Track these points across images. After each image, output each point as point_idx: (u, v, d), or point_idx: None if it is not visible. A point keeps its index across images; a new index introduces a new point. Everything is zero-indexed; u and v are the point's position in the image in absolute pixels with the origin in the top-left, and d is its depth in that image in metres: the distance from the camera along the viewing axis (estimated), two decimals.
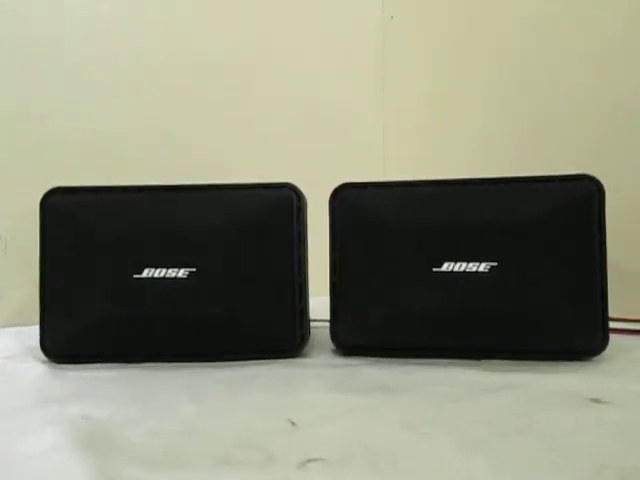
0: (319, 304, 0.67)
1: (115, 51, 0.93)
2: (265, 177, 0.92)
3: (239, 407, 0.48)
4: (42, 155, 0.87)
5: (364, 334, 0.63)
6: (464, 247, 0.60)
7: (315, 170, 1.05)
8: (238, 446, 0.39)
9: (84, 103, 0.90)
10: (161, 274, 0.61)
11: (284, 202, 0.63)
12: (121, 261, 0.61)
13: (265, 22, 1.06)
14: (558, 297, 0.59)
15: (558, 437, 0.40)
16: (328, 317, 0.64)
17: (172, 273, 0.61)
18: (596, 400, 0.48)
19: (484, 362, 0.60)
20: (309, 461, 0.37)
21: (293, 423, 0.44)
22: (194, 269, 0.61)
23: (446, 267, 0.60)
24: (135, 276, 0.61)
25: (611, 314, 0.59)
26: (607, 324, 0.59)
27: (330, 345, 0.66)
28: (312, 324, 0.67)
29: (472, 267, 0.59)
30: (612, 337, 0.59)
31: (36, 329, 0.62)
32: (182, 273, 0.61)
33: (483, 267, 0.59)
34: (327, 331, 0.64)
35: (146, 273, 0.61)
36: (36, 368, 0.61)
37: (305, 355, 0.64)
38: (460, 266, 0.60)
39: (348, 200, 0.64)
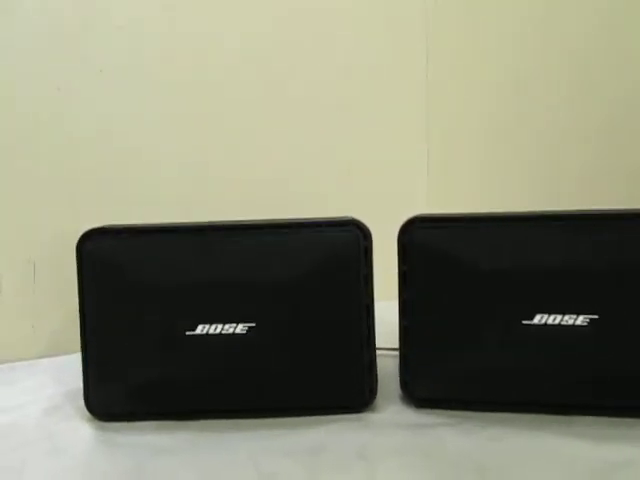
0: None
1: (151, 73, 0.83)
2: (309, 202, 0.86)
3: None
4: (70, 176, 0.79)
5: (439, 387, 0.58)
6: (558, 296, 0.53)
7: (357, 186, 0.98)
8: None
9: (115, 125, 0.82)
10: (217, 330, 0.54)
11: (350, 244, 0.56)
12: (171, 316, 0.54)
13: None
14: None
15: None
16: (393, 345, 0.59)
17: (229, 329, 0.54)
18: None
19: (575, 420, 0.54)
20: None
21: None
22: (253, 323, 0.54)
23: (538, 320, 0.53)
24: (188, 333, 0.54)
25: None
26: None
27: (398, 391, 0.60)
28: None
29: (568, 320, 0.52)
30: None
31: (73, 359, 0.57)
32: (240, 328, 0.54)
33: (581, 320, 0.52)
34: (391, 365, 0.59)
35: (200, 329, 0.54)
36: (82, 431, 0.56)
37: (373, 409, 0.58)
38: (554, 319, 0.53)
39: (422, 238, 0.57)
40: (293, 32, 0.92)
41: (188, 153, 0.85)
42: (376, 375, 0.58)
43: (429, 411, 0.58)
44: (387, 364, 0.63)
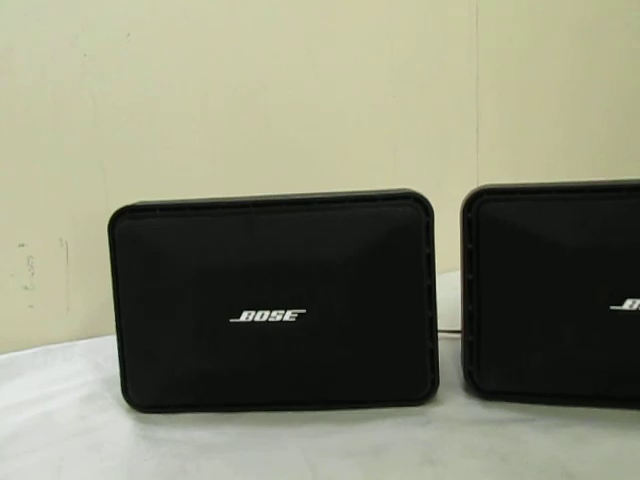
0: None
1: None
2: (352, 176, 0.79)
3: None
4: (99, 150, 0.74)
5: (508, 378, 0.52)
6: None
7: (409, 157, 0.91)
8: None
9: (146, 95, 0.76)
10: (263, 317, 0.49)
11: (410, 220, 0.50)
12: (212, 301, 0.49)
13: None
14: None
15: None
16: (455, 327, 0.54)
17: (277, 316, 0.49)
18: None
19: None
20: None
21: None
22: (303, 310, 0.49)
23: (629, 305, 0.46)
24: (232, 320, 0.49)
25: None
26: None
27: (461, 381, 0.54)
28: None
29: None
30: None
31: (108, 342, 0.54)
32: (289, 315, 0.49)
33: None
34: (449, 349, 0.55)
35: (245, 317, 0.49)
36: (121, 425, 0.52)
37: (435, 401, 0.53)
38: None
39: (491, 211, 0.50)
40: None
41: (220, 123, 0.79)
42: (438, 363, 0.53)
43: (497, 404, 0.52)
44: (444, 348, 0.57)
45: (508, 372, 0.52)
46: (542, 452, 0.44)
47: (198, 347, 0.50)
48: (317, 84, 0.85)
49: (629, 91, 1.01)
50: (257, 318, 0.49)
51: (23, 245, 0.71)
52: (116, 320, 0.52)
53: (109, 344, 0.58)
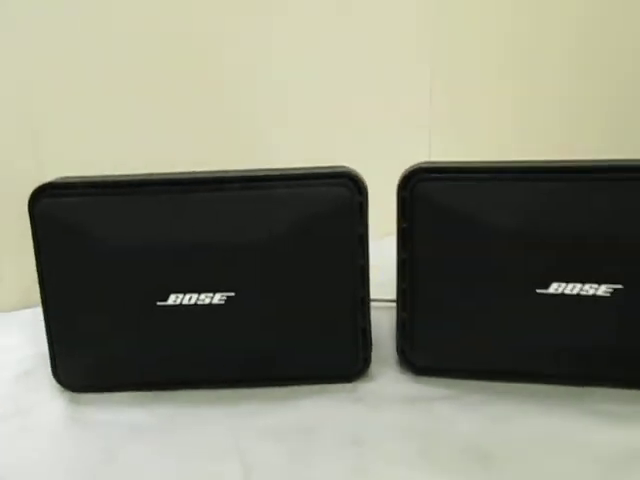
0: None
1: None
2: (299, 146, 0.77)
3: None
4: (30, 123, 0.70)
5: (438, 355, 0.53)
6: (579, 263, 0.46)
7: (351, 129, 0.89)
8: None
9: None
10: (192, 301, 0.48)
11: (343, 200, 0.48)
12: (139, 285, 0.48)
13: None
14: None
15: None
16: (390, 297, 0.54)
17: (205, 299, 0.48)
18: None
19: (588, 392, 0.49)
20: None
21: None
22: (232, 293, 0.48)
23: (554, 289, 0.47)
24: (159, 304, 0.48)
25: None
26: None
27: (394, 356, 0.55)
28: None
29: (588, 290, 0.46)
30: None
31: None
32: (218, 298, 0.48)
33: (603, 290, 0.46)
34: (387, 320, 0.55)
35: (172, 300, 0.48)
36: (53, 406, 0.51)
37: (368, 377, 0.54)
38: (573, 288, 0.46)
39: (425, 190, 0.49)
40: None
41: (162, 91, 0.76)
42: (371, 342, 0.53)
43: (428, 380, 0.53)
44: (386, 319, 0.58)
45: (439, 349, 0.52)
46: (464, 431, 0.46)
47: (125, 330, 0.49)
48: (269, 56, 0.82)
49: (583, 65, 1.00)
50: (185, 301, 0.48)
51: None
52: (42, 301, 0.50)
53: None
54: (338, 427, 0.47)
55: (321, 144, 0.87)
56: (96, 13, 0.72)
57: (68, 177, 0.51)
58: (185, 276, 0.48)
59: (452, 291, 0.50)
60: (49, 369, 0.53)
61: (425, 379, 0.53)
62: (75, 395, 0.53)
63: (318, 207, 0.48)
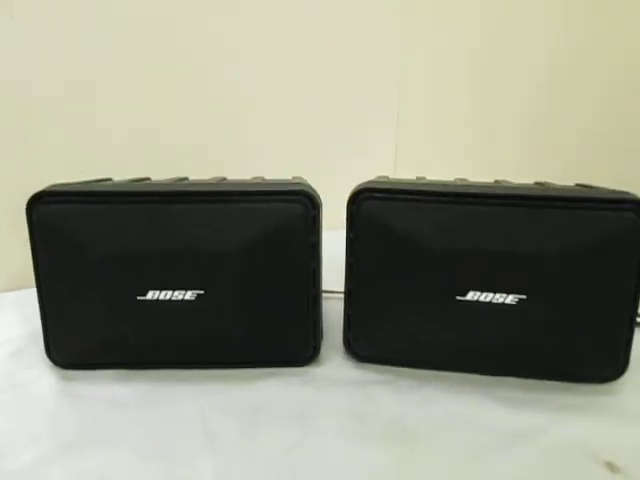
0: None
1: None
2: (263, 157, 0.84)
3: (255, 468, 0.48)
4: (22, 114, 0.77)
5: (376, 347, 0.62)
6: (490, 277, 0.56)
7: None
8: None
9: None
10: (167, 296, 0.57)
11: (297, 214, 0.57)
12: (122, 282, 0.56)
13: None
14: (581, 327, 0.56)
15: None
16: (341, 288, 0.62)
17: (179, 295, 0.57)
18: (611, 466, 0.48)
19: (500, 381, 0.59)
20: None
21: None
22: (202, 291, 0.57)
23: (471, 296, 0.56)
24: (139, 298, 0.57)
25: None
26: (629, 353, 0.57)
27: (342, 345, 0.64)
28: (325, 295, 0.65)
29: (499, 298, 0.56)
30: None
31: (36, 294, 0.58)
32: (190, 295, 0.57)
33: (510, 299, 0.56)
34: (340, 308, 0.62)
35: (151, 295, 0.57)
36: (45, 380, 0.60)
37: (318, 362, 0.63)
38: (486, 297, 0.56)
39: (368, 208, 0.58)
40: None
41: (139, 105, 0.83)
42: (321, 332, 0.62)
43: (368, 367, 0.62)
44: (334, 309, 0.67)
45: (378, 341, 0.61)
46: (390, 411, 0.55)
47: (110, 319, 0.58)
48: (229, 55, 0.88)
49: (548, 75, 1.07)
50: (161, 297, 0.57)
51: None
52: (37, 290, 0.58)
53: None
54: (287, 404, 0.56)
55: (297, 153, 0.95)
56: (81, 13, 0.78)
57: (60, 184, 0.58)
58: (161, 276, 0.56)
59: (387, 294, 0.58)
60: (40, 347, 0.61)
61: (366, 366, 0.63)
62: (65, 372, 0.61)
63: (277, 220, 0.56)
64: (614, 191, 0.56)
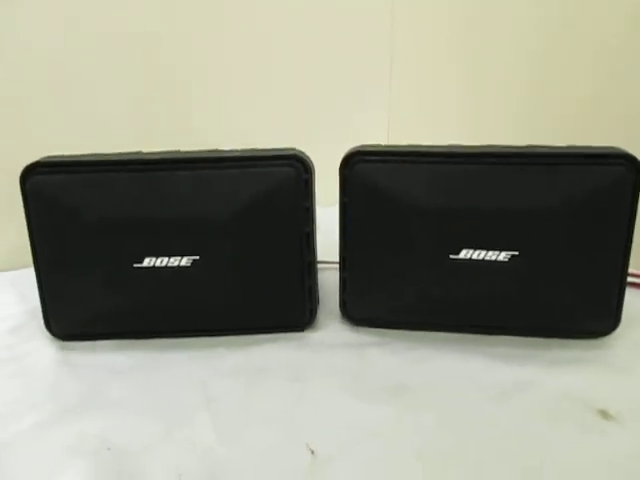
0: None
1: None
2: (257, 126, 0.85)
3: (253, 423, 0.49)
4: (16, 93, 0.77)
5: (372, 309, 0.63)
6: (483, 234, 0.56)
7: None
8: None
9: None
10: (163, 263, 0.57)
11: (290, 179, 0.57)
12: (118, 250, 0.57)
13: None
14: (573, 282, 0.57)
15: None
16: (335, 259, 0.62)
17: (174, 262, 0.57)
18: (604, 413, 0.49)
19: (496, 338, 0.60)
20: None
21: (312, 452, 0.46)
22: (197, 257, 0.57)
23: (464, 254, 0.57)
24: (136, 265, 0.57)
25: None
26: (621, 308, 0.58)
27: (338, 310, 0.65)
28: (320, 266, 0.65)
29: (491, 256, 0.56)
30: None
31: (32, 273, 0.59)
32: (185, 261, 0.57)
33: (503, 256, 0.56)
34: (335, 277, 0.63)
35: (147, 262, 0.57)
36: (44, 351, 0.60)
37: (315, 327, 0.64)
38: (479, 254, 0.56)
39: (361, 171, 0.58)
40: None
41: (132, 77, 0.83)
42: (317, 297, 0.63)
43: (364, 330, 0.63)
44: (330, 279, 0.67)
45: (373, 304, 0.62)
46: (387, 370, 0.56)
47: (108, 287, 0.58)
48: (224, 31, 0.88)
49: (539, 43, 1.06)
50: (157, 263, 0.57)
51: None
52: (34, 263, 0.59)
53: (33, 275, 0.65)
54: (285, 367, 0.57)
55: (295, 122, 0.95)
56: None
57: (54, 156, 0.58)
58: (156, 242, 0.57)
59: (381, 256, 0.59)
60: (39, 322, 0.62)
61: (362, 329, 0.63)
62: (64, 343, 0.62)
63: (269, 184, 0.57)
64: (603, 147, 0.57)
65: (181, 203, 0.56)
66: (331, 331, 0.63)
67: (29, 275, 0.60)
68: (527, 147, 0.57)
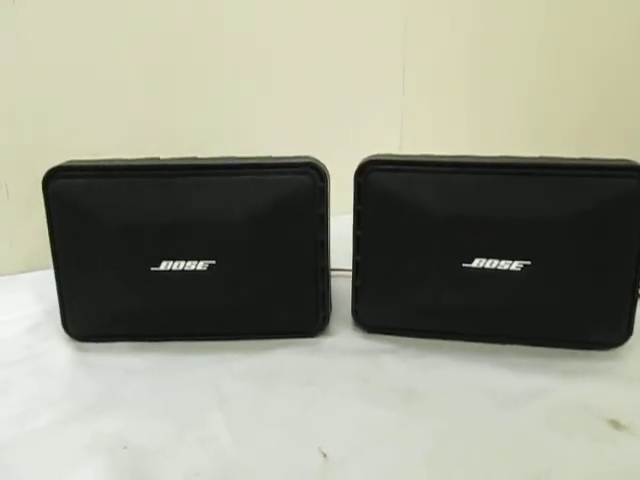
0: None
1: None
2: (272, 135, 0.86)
3: (266, 425, 0.50)
4: (38, 98, 0.79)
5: (384, 316, 0.63)
6: (496, 244, 0.57)
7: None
8: None
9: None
10: (180, 267, 0.58)
11: (305, 186, 0.58)
12: (136, 253, 0.58)
13: None
14: (585, 292, 0.57)
15: None
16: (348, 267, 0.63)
17: (191, 266, 0.58)
18: (615, 423, 0.49)
19: (504, 348, 0.60)
20: None
21: (324, 455, 0.46)
22: (213, 261, 0.58)
23: (477, 264, 0.57)
24: (153, 269, 0.58)
25: None
26: (633, 319, 0.58)
27: (350, 317, 0.66)
28: (334, 273, 0.66)
29: (504, 265, 0.57)
30: None
31: (50, 275, 0.60)
32: (202, 265, 0.58)
33: (515, 265, 0.57)
34: (348, 285, 0.64)
35: (164, 266, 0.58)
36: (62, 351, 0.62)
37: (327, 333, 0.64)
38: (492, 263, 0.57)
39: (375, 179, 0.59)
40: None
41: (154, 87, 0.85)
42: (330, 303, 0.64)
43: (375, 337, 0.64)
44: (343, 286, 0.68)
45: (385, 311, 0.63)
46: (396, 376, 0.57)
47: (126, 290, 0.59)
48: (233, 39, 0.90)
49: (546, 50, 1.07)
50: (174, 267, 0.58)
51: None
52: (54, 265, 0.60)
53: (51, 276, 0.65)
54: (297, 371, 0.57)
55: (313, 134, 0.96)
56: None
57: (75, 161, 0.60)
58: (174, 247, 0.58)
59: (394, 264, 0.60)
60: (57, 322, 0.63)
61: (374, 336, 0.64)
62: (80, 344, 0.63)
63: (285, 191, 0.58)
64: (616, 159, 0.57)
65: (198, 209, 0.58)
66: (343, 337, 0.64)
67: (48, 276, 0.61)
68: (539, 158, 0.58)
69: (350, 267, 0.63)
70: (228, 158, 0.61)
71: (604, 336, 0.59)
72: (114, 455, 0.46)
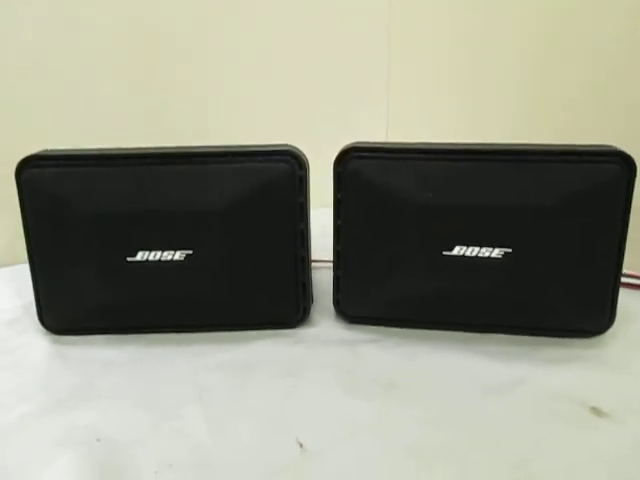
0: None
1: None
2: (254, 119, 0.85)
3: (244, 416, 0.49)
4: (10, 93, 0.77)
5: (366, 306, 0.63)
6: (476, 231, 0.56)
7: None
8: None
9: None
10: (156, 257, 0.57)
11: (284, 174, 0.57)
12: (111, 243, 0.57)
13: None
14: (567, 280, 0.57)
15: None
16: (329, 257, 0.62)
17: (168, 256, 0.57)
18: (597, 411, 0.49)
19: (484, 337, 0.60)
20: None
21: (301, 445, 0.45)
22: (190, 251, 0.57)
23: (457, 251, 0.57)
24: (129, 259, 0.57)
25: None
26: (615, 306, 0.58)
27: (331, 308, 0.65)
28: (315, 265, 0.66)
29: (484, 252, 0.56)
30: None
31: (27, 269, 0.59)
32: (178, 255, 0.57)
33: (496, 253, 0.56)
34: (329, 275, 0.63)
35: (140, 256, 0.57)
36: (37, 345, 0.60)
37: (308, 324, 0.63)
38: (472, 251, 0.56)
39: (355, 168, 0.58)
40: None
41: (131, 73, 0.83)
42: (310, 294, 0.63)
43: (357, 327, 0.63)
44: (324, 277, 0.67)
45: (366, 301, 0.62)
46: (378, 366, 0.56)
47: (101, 282, 0.58)
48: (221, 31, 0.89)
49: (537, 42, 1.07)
50: (151, 257, 0.57)
51: None
52: (28, 256, 0.59)
53: (28, 271, 0.65)
54: (277, 362, 0.57)
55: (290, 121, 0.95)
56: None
57: (49, 150, 0.58)
58: (150, 236, 0.57)
59: (375, 253, 0.59)
60: (34, 317, 0.62)
61: (355, 326, 0.63)
62: (57, 337, 0.62)
63: (263, 179, 0.57)
64: (597, 145, 0.57)
65: (175, 197, 0.57)
66: (325, 328, 0.63)
67: (27, 270, 0.60)
68: (521, 145, 0.58)
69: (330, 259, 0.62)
70: (205, 146, 0.60)
71: (587, 324, 0.59)
72: (87, 447, 0.45)
